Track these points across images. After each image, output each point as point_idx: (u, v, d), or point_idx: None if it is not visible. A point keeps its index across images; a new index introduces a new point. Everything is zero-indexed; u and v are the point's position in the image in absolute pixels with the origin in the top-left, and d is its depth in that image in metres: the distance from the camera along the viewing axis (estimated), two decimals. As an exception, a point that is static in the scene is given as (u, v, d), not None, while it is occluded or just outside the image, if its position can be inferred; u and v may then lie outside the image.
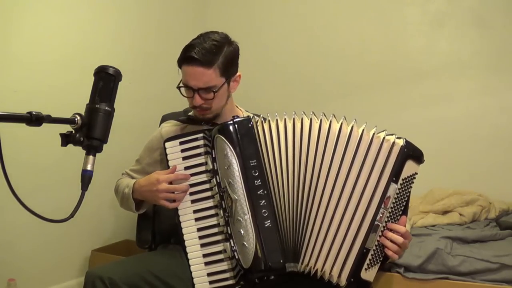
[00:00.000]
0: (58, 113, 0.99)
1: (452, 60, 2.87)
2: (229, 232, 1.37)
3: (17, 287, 2.15)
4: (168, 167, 1.47)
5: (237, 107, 1.71)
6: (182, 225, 1.45)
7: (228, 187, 1.36)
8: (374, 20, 3.03)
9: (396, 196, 1.34)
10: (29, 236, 2.29)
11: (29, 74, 2.24)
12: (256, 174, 1.35)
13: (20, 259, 2.27)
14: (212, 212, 1.43)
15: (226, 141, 1.36)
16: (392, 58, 2.98)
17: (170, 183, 1.45)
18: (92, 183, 1.02)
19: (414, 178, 1.36)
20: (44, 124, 0.93)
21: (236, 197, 1.34)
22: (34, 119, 0.91)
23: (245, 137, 1.37)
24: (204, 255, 1.42)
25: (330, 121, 1.36)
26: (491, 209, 2.58)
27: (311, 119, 1.37)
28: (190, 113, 1.71)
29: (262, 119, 1.42)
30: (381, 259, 1.35)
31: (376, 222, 1.32)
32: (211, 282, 1.41)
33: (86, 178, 1.01)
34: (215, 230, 1.42)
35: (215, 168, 1.40)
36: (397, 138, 1.35)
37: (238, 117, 1.41)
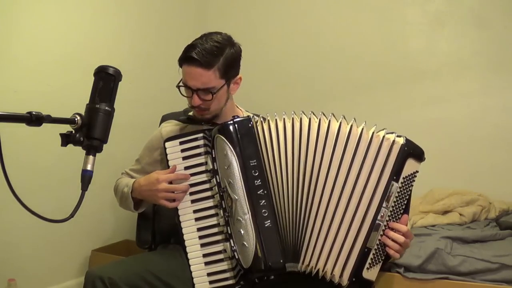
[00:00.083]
0: (58, 113, 0.99)
1: (452, 60, 2.87)
2: (229, 232, 1.37)
3: (17, 287, 2.15)
4: (168, 167, 1.47)
5: (237, 107, 1.71)
6: (182, 225, 1.45)
7: (228, 187, 1.36)
8: (374, 20, 3.03)
9: (397, 195, 1.33)
10: (29, 236, 2.29)
11: (29, 74, 2.24)
12: (256, 174, 1.35)
13: (20, 259, 2.27)
14: (212, 212, 1.43)
15: (226, 141, 1.36)
16: (392, 58, 2.97)
17: (170, 183, 1.45)
18: (92, 183, 1.02)
19: (415, 176, 1.36)
20: (44, 124, 0.93)
21: (236, 197, 1.34)
22: (34, 119, 0.91)
23: (245, 137, 1.37)
24: (204, 255, 1.42)
25: (329, 120, 1.36)
26: (491, 209, 2.58)
27: (310, 119, 1.37)
28: (190, 113, 1.71)
29: (262, 119, 1.42)
30: (382, 258, 1.35)
31: (377, 221, 1.32)
32: (211, 282, 1.41)
33: (86, 178, 1.01)
34: (215, 230, 1.42)
35: (215, 168, 1.40)
36: (397, 136, 1.35)
37: (238, 117, 1.41)
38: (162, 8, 3.08)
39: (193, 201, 1.45)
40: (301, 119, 1.38)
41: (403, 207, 1.36)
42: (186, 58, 1.48)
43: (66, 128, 1.01)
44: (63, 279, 2.50)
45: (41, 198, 2.16)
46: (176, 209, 1.46)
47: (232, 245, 1.36)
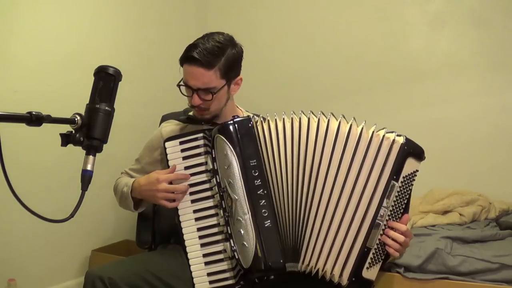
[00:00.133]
0: (58, 113, 0.99)
1: (452, 60, 2.87)
2: (229, 232, 1.37)
3: (17, 287, 2.15)
4: (168, 166, 1.47)
5: (237, 107, 1.71)
6: (182, 225, 1.45)
7: (228, 187, 1.36)
8: (374, 20, 3.03)
9: (397, 194, 1.33)
10: (29, 236, 2.29)
11: (29, 74, 2.24)
12: (256, 174, 1.35)
13: (20, 259, 2.27)
14: (212, 212, 1.43)
15: (226, 141, 1.36)
16: (392, 58, 2.98)
17: (170, 182, 1.45)
18: (92, 183, 1.02)
19: (415, 175, 1.36)
20: (44, 124, 0.93)
21: (236, 197, 1.34)
22: (34, 119, 0.91)
23: (245, 137, 1.37)
24: (204, 255, 1.42)
25: (329, 120, 1.36)
26: (491, 209, 2.58)
27: (309, 118, 1.37)
28: (190, 113, 1.71)
29: (262, 119, 1.42)
30: (382, 258, 1.35)
31: (377, 221, 1.32)
32: (211, 282, 1.41)
33: (86, 178, 1.01)
34: (215, 230, 1.43)
35: (215, 168, 1.40)
36: (397, 135, 1.35)
37: (238, 117, 1.41)
38: (162, 8, 3.08)
39: (193, 201, 1.45)
40: (300, 119, 1.38)
41: (403, 206, 1.36)
42: (187, 58, 1.48)
43: (66, 128, 1.01)
44: (63, 279, 2.50)
45: (41, 198, 2.16)
46: (176, 209, 1.46)
47: (232, 245, 1.36)
